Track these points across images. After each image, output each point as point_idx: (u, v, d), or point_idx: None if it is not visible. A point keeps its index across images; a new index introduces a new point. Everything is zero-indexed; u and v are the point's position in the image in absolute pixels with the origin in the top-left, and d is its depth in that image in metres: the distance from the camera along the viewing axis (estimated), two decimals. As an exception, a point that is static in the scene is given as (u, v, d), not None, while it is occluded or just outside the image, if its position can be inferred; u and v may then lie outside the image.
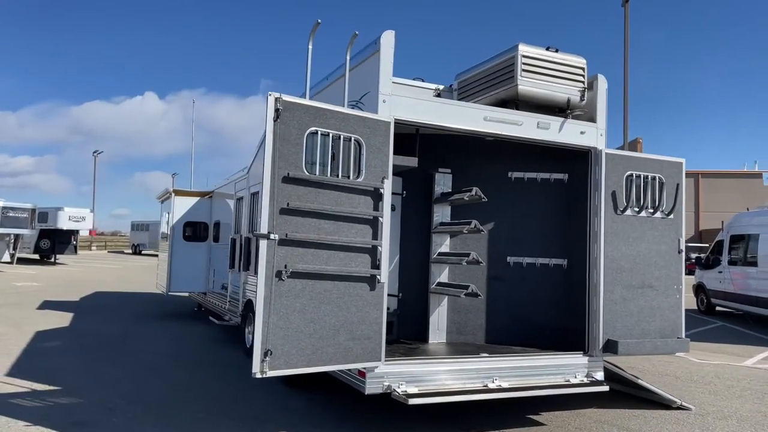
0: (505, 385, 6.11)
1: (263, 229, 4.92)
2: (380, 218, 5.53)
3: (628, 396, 7.54)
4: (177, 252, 13.24)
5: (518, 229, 7.27)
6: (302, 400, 6.95)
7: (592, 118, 6.84)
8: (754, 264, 14.88)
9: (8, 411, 6.13)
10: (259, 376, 4.84)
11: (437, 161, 7.11)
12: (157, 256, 46.57)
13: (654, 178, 6.91)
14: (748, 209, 16.49)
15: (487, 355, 6.29)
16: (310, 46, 5.51)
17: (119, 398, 6.79)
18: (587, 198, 6.86)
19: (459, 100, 7.12)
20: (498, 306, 7.16)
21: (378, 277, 5.48)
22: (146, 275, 27.69)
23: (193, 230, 13.42)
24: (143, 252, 51.65)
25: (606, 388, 6.52)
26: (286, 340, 4.98)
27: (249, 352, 9.39)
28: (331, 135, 5.28)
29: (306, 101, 5.20)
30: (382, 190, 5.53)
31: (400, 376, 5.69)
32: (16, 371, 7.93)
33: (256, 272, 8.11)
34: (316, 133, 5.21)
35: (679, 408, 7.17)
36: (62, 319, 12.91)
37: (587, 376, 6.59)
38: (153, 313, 14.54)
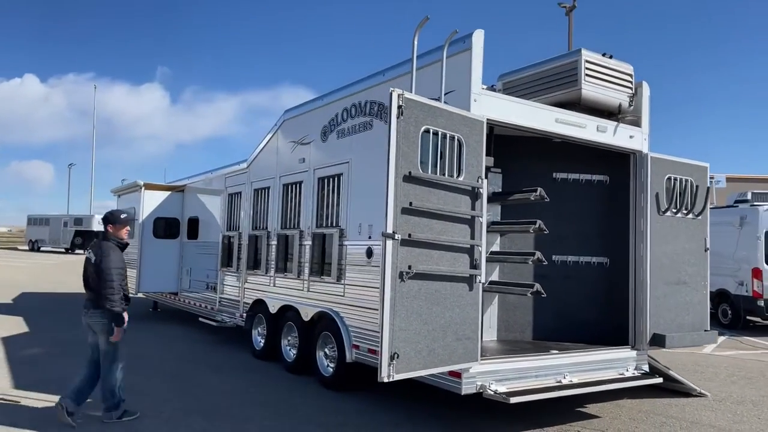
0: (574, 380, 6.30)
1: (389, 228, 4.77)
2: (479, 218, 5.51)
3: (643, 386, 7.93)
4: (147, 250, 12.48)
5: (562, 228, 7.48)
6: (364, 402, 6.80)
7: (636, 123, 7.16)
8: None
9: (49, 426, 5.55)
10: (386, 380, 4.70)
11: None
12: (62, 252, 43.57)
13: (688, 181, 7.35)
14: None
15: (557, 351, 6.44)
16: (416, 41, 5.37)
17: (168, 407, 6.33)
18: (628, 199, 7.19)
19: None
20: (544, 303, 7.34)
21: (479, 277, 5.47)
22: (62, 274, 25.80)
23: (165, 227, 12.68)
24: (42, 249, 47.96)
25: (660, 380, 6.88)
26: (407, 343, 4.87)
27: (257, 353, 9.07)
28: (439, 133, 5.21)
29: (422, 99, 5.09)
30: (480, 190, 5.52)
31: (488, 375, 5.71)
32: (24, 383, 7.17)
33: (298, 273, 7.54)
34: (428, 131, 5.12)
35: (699, 395, 7.66)
36: (15, 325, 11.77)
37: (636, 368, 6.92)
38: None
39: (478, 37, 5.71)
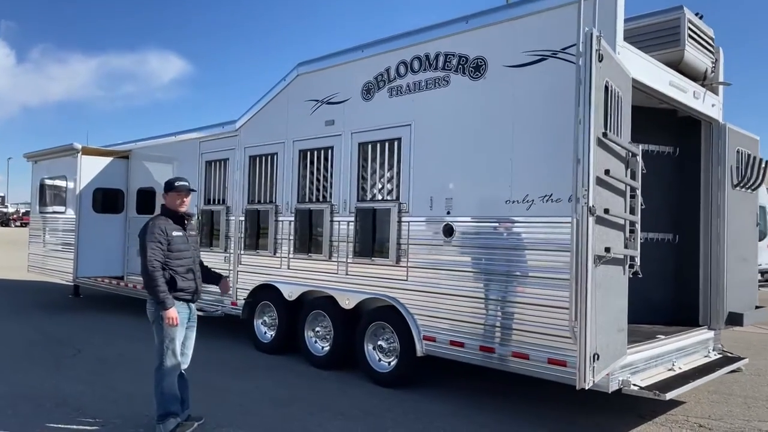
0: (683, 367, 5.83)
1: (590, 201, 3.88)
2: (637, 189, 4.77)
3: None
4: (86, 227, 10.50)
5: (632, 202, 6.95)
6: (446, 402, 5.89)
7: (713, 90, 6.74)
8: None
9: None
10: (587, 386, 3.87)
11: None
12: None
13: (750, 155, 7.09)
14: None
15: (662, 336, 5.92)
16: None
17: (226, 426, 5.03)
18: (698, 171, 6.80)
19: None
20: (615, 283, 6.79)
21: (636, 258, 4.75)
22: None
23: (106, 199, 10.74)
24: None
25: (747, 360, 6.61)
26: (598, 339, 4.06)
27: (264, 347, 7.83)
28: (611, 89, 4.37)
29: (608, 46, 4.20)
30: (637, 157, 4.77)
31: (625, 369, 5.04)
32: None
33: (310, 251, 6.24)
34: (606, 87, 4.27)
35: (736, 371, 7.54)
36: None
37: (714, 349, 6.61)
38: (37, 304, 11.42)
39: (622, -20, 4.90)
